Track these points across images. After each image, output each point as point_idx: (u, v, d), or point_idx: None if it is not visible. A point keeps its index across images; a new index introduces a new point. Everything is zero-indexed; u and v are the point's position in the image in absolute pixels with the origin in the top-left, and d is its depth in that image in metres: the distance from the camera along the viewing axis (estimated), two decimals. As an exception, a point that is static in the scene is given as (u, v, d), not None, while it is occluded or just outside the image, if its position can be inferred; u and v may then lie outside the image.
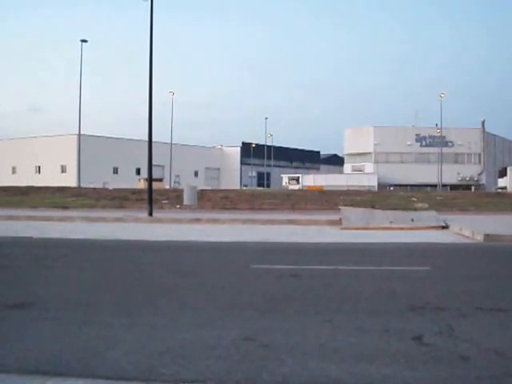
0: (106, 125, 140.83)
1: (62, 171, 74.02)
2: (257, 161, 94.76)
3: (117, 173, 78.21)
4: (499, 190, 51.71)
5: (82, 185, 48.52)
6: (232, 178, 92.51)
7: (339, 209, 18.79)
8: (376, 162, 75.76)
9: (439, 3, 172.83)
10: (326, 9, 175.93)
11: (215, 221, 17.77)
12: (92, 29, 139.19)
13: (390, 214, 17.45)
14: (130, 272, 8.11)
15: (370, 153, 76.54)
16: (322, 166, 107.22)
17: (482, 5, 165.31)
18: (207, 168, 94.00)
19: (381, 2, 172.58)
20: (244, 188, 68.28)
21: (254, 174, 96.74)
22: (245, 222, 17.60)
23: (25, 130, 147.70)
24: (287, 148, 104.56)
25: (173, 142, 73.17)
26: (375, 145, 75.53)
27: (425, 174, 71.25)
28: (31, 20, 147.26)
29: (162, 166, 71.81)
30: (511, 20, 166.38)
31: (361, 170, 76.35)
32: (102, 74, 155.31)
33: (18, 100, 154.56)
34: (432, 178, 68.97)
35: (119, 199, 27.92)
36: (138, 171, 75.73)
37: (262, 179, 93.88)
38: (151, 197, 19.42)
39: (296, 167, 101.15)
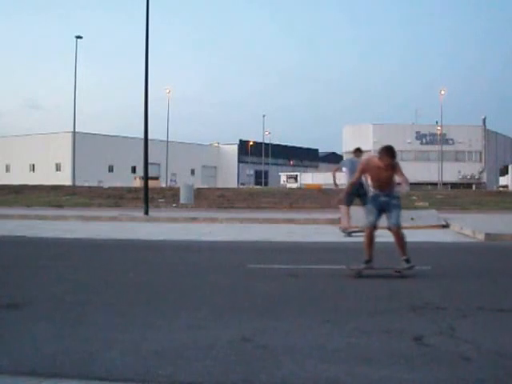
0: (101, 122, 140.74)
1: (57, 169, 73.81)
2: (254, 159, 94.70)
3: (112, 171, 78.06)
4: (501, 189, 51.75)
5: (77, 183, 48.42)
6: (229, 176, 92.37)
7: (338, 208, 18.66)
8: (375, 160, 75.41)
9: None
10: (326, 7, 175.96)
11: (212, 220, 17.67)
12: (88, 25, 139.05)
13: (389, 212, 17.33)
14: (124, 272, 8.02)
15: (369, 150, 76.17)
16: (321, 164, 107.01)
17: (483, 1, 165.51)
18: (204, 166, 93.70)
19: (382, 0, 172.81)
20: (241, 186, 68.11)
21: (252, 172, 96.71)
22: (242, 220, 17.49)
23: (23, 128, 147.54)
24: (285, 146, 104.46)
25: (169, 139, 72.99)
26: (374, 142, 75.01)
27: (425, 173, 70.99)
28: (30, 18, 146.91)
29: (158, 164, 71.59)
30: None
31: (359, 169, 75.96)
32: (98, 71, 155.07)
33: (16, 97, 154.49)
34: (432, 177, 68.83)
35: (114, 198, 27.83)
36: (134, 169, 75.66)
37: (260, 177, 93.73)
38: (147, 195, 19.31)
39: (294, 165, 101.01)
